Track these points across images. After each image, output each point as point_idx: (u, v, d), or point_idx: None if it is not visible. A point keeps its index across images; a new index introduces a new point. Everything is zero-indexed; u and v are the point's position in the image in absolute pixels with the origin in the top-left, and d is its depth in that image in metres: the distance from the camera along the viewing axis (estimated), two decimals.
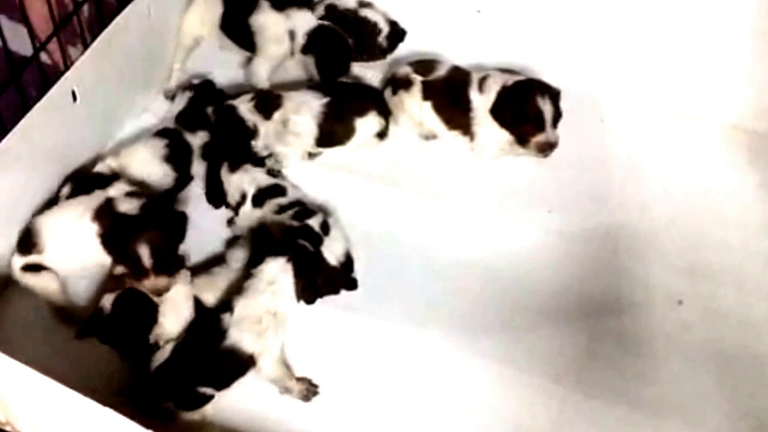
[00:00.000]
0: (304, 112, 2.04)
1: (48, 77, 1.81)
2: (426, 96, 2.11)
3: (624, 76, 2.27)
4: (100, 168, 1.90)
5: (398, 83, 2.15)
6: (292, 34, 2.16)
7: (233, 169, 1.93)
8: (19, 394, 1.41)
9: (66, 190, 1.85)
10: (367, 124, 2.09)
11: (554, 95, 2.01)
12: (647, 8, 2.18)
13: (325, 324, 1.75)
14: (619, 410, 1.64)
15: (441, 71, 2.14)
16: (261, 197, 1.89)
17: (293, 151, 2.06)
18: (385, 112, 2.12)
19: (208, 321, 1.63)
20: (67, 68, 1.84)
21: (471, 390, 1.68)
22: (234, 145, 2.01)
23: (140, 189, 1.82)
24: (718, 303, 1.83)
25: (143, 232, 1.63)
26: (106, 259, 1.70)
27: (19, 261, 1.75)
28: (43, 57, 1.82)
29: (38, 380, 1.30)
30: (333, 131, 2.07)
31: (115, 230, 1.68)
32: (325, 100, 2.06)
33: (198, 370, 1.58)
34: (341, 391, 1.66)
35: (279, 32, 2.16)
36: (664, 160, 2.15)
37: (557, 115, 2.00)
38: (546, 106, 1.98)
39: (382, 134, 2.12)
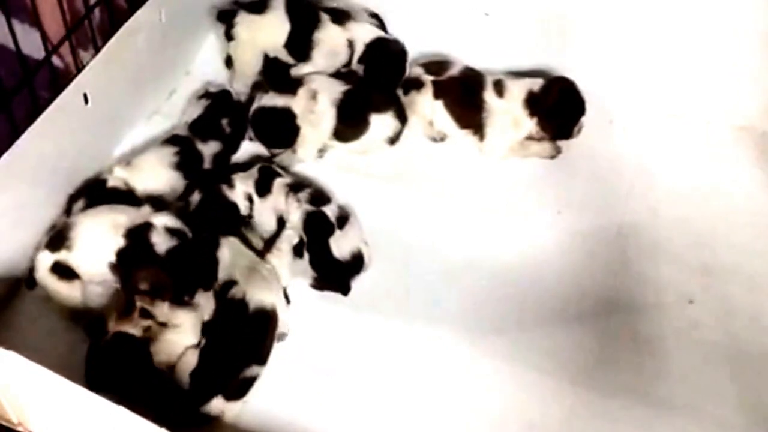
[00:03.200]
0: (324, 93, 2.06)
1: (59, 80, 1.82)
2: (437, 95, 2.12)
3: (632, 78, 2.27)
4: (113, 183, 1.87)
5: (410, 84, 2.16)
6: (351, 44, 2.18)
7: (230, 184, 1.91)
8: (32, 394, 1.41)
9: (80, 206, 1.82)
10: (382, 122, 2.09)
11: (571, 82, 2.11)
12: (656, 10, 2.18)
13: (333, 323, 1.76)
14: (631, 408, 1.64)
15: (453, 71, 2.15)
16: (262, 185, 1.90)
17: (312, 140, 2.07)
18: (402, 118, 2.12)
19: (226, 311, 1.64)
20: (78, 71, 1.85)
21: (482, 389, 1.67)
22: (280, 133, 2.05)
23: (183, 228, 1.74)
24: (729, 302, 1.83)
25: (154, 273, 1.62)
26: None
27: (48, 258, 1.71)
28: (55, 60, 1.83)
29: (52, 380, 1.30)
30: (348, 120, 2.07)
31: (131, 256, 1.67)
32: (346, 87, 2.07)
33: (239, 352, 1.59)
34: (350, 389, 1.66)
35: (338, 44, 2.17)
36: (673, 161, 2.15)
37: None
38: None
39: (393, 139, 2.12)
